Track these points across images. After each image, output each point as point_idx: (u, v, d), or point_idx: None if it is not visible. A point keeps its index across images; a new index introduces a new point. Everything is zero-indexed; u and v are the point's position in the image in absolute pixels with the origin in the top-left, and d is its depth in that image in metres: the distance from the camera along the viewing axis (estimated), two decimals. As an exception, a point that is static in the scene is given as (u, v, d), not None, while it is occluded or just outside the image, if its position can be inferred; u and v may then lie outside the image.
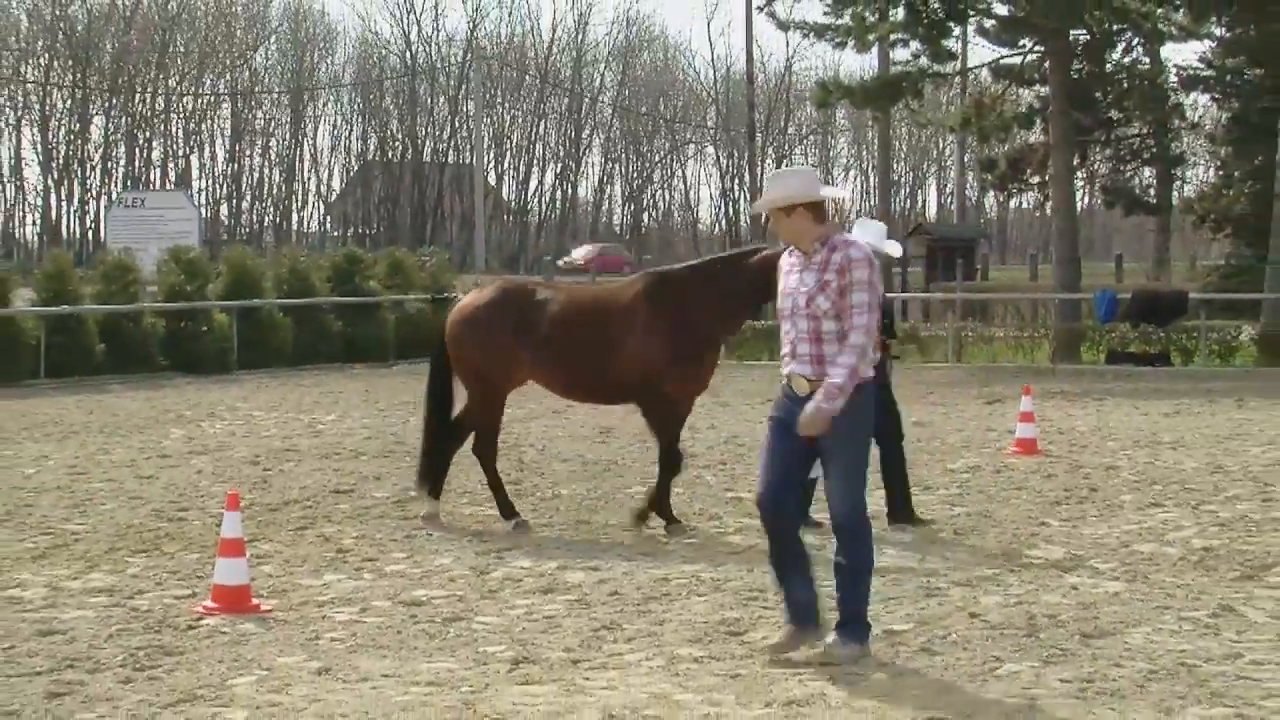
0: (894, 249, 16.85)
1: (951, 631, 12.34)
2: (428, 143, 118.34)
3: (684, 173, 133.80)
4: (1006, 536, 16.41)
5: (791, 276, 11.11)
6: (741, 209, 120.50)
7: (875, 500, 15.08)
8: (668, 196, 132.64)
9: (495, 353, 16.77)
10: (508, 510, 16.99)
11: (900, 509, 16.57)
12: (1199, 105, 77.99)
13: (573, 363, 16.78)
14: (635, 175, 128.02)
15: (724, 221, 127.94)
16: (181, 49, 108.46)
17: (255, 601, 13.08)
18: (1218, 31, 54.67)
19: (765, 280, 15.41)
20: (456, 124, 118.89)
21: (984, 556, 15.35)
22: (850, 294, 10.75)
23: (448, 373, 17.25)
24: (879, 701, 10.40)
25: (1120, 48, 61.17)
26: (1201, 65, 69.16)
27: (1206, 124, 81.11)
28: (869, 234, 15.78)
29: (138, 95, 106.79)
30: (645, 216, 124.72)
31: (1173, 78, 70.11)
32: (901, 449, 16.79)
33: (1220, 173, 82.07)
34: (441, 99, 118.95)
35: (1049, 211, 57.41)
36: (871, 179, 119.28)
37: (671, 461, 16.63)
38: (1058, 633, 12.28)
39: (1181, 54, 73.49)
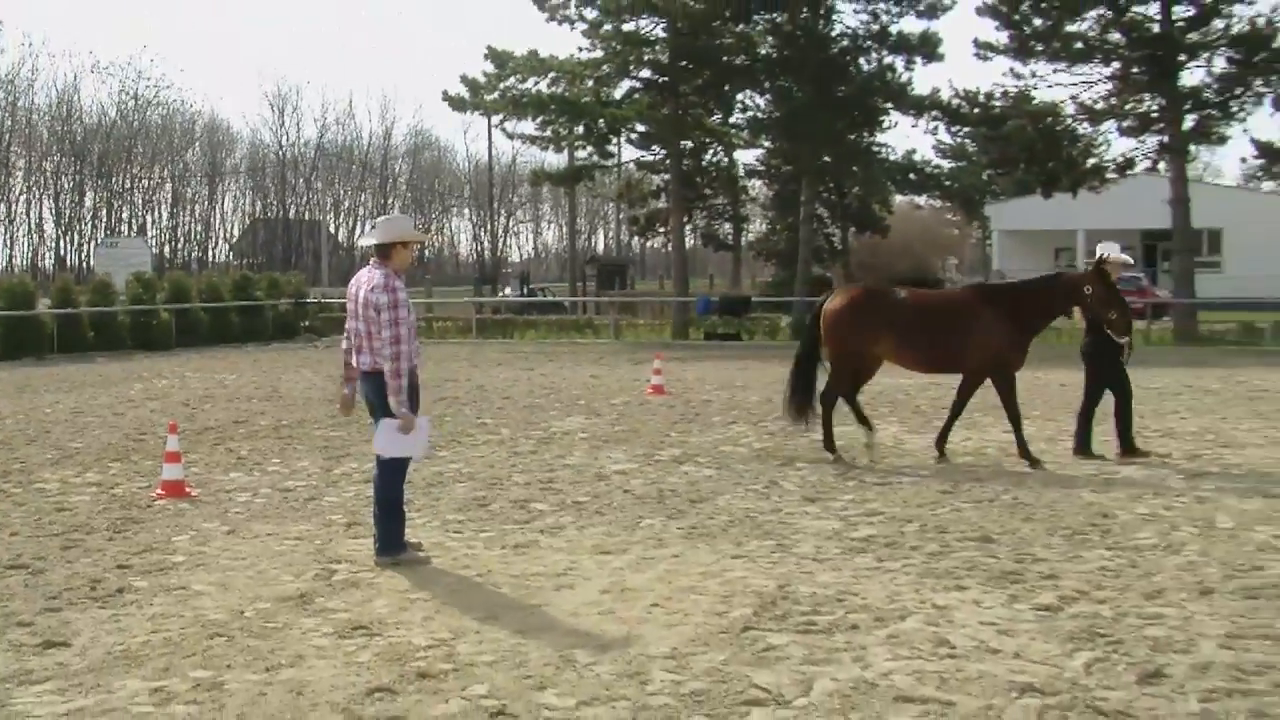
0: (1128, 259, 15.88)
1: (613, 500, 12.50)
2: (292, 206, 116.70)
3: (450, 226, 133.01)
4: (646, 443, 16.51)
5: (363, 290, 9.78)
6: (485, 251, 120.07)
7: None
8: (440, 240, 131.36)
9: (866, 336, 15.12)
10: (829, 444, 15.11)
11: (1128, 445, 15.04)
12: (757, 186, 78.67)
13: (930, 346, 15.10)
14: (421, 228, 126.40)
15: (474, 256, 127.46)
16: (140, 149, 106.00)
17: (188, 490, 12.93)
18: (766, 144, 55.36)
19: (1069, 294, 15.05)
20: (310, 195, 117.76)
21: (634, 455, 15.46)
22: (384, 311, 9.49)
23: (816, 345, 15.38)
24: (570, 542, 10.53)
25: (710, 152, 61.71)
26: (758, 163, 69.99)
27: (761, 197, 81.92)
28: (1112, 249, 15.24)
29: (114, 179, 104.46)
30: (426, 253, 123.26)
31: (741, 170, 70.90)
32: (1130, 406, 15.23)
33: (769, 226, 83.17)
34: (301, 180, 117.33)
35: (670, 249, 57.74)
36: (563, 228, 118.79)
37: (1016, 415, 14.78)
38: (676, 499, 12.47)
39: (746, 156, 75.45)
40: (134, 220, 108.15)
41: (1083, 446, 15.11)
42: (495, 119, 53.33)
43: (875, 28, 47.12)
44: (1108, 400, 15.16)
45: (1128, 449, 15.03)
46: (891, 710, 6.57)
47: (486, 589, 9.11)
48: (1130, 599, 8.65)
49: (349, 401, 10.49)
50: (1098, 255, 15.19)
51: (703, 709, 6.60)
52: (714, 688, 6.89)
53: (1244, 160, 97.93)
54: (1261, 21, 40.65)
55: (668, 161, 52.06)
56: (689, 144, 52.71)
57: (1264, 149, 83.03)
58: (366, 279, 9.84)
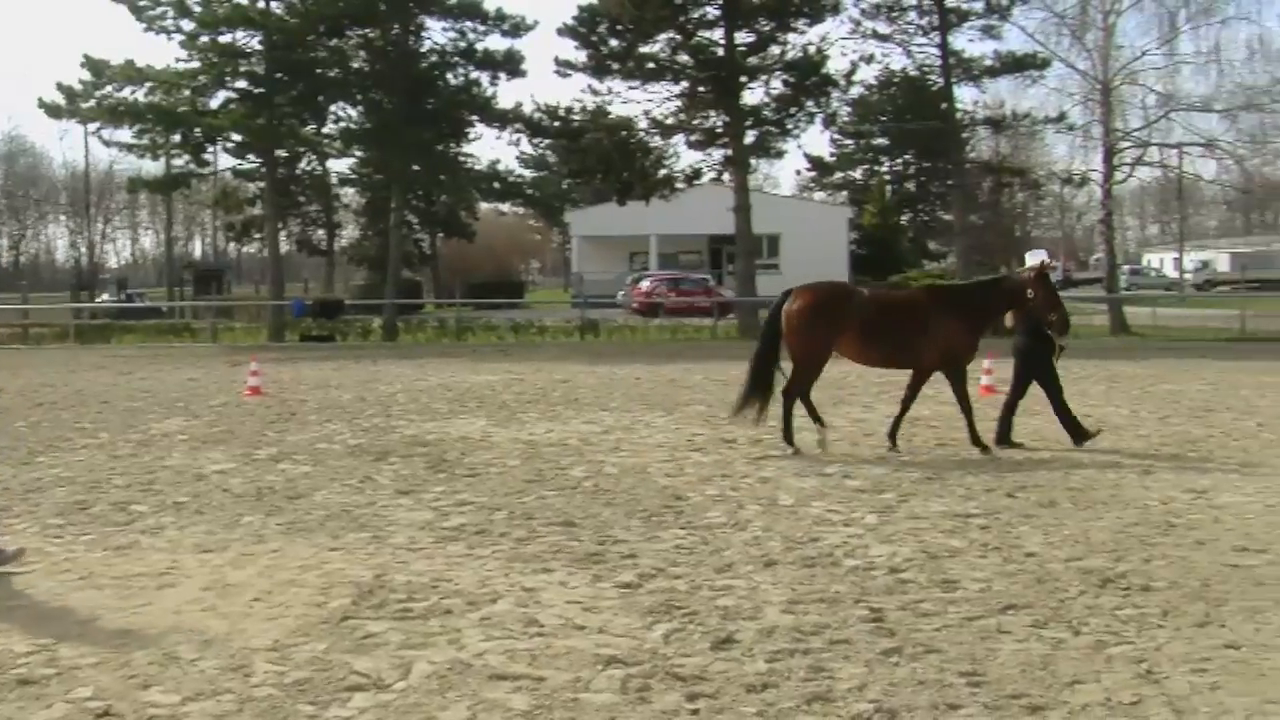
0: (1056, 263, 15.55)
1: (213, 500, 12.11)
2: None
3: (47, 231, 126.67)
4: (244, 443, 16.07)
5: None
6: (83, 258, 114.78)
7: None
8: (37, 245, 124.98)
9: (829, 333, 14.77)
10: (788, 436, 14.92)
11: (1077, 435, 14.95)
12: (349, 194, 77.92)
13: (889, 342, 14.84)
14: (17, 233, 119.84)
15: (71, 262, 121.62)
16: None
17: None
18: (359, 153, 54.86)
19: (1016, 295, 14.96)
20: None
21: (232, 454, 15.03)
22: None
23: (775, 344, 14.97)
24: (171, 542, 10.16)
25: (305, 160, 60.79)
26: (351, 172, 69.23)
27: (353, 204, 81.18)
28: (1038, 256, 15.29)
29: None
30: (21, 257, 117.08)
31: (335, 178, 70.19)
32: (1017, 401, 15.28)
33: (361, 232, 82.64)
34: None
35: (266, 254, 56.51)
36: (161, 234, 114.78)
37: (968, 406, 14.81)
38: (274, 496, 12.20)
39: (340, 165, 73.23)
40: None
41: (1003, 437, 15.15)
42: (92, 127, 51.31)
43: (462, 45, 47.74)
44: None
45: (1004, 440, 15.14)
46: (486, 688, 6.62)
47: (88, 591, 8.72)
48: (703, 573, 8.97)
49: None
50: (1035, 262, 15.47)
51: (306, 697, 6.51)
52: (316, 676, 6.81)
53: (798, 172, 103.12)
54: (812, 50, 42.90)
55: (263, 170, 51.17)
56: (284, 153, 51.92)
57: (815, 163, 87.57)
58: None
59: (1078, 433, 15.12)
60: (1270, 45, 49.40)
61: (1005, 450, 14.77)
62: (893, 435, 15.06)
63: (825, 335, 14.93)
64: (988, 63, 46.99)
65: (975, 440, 14.72)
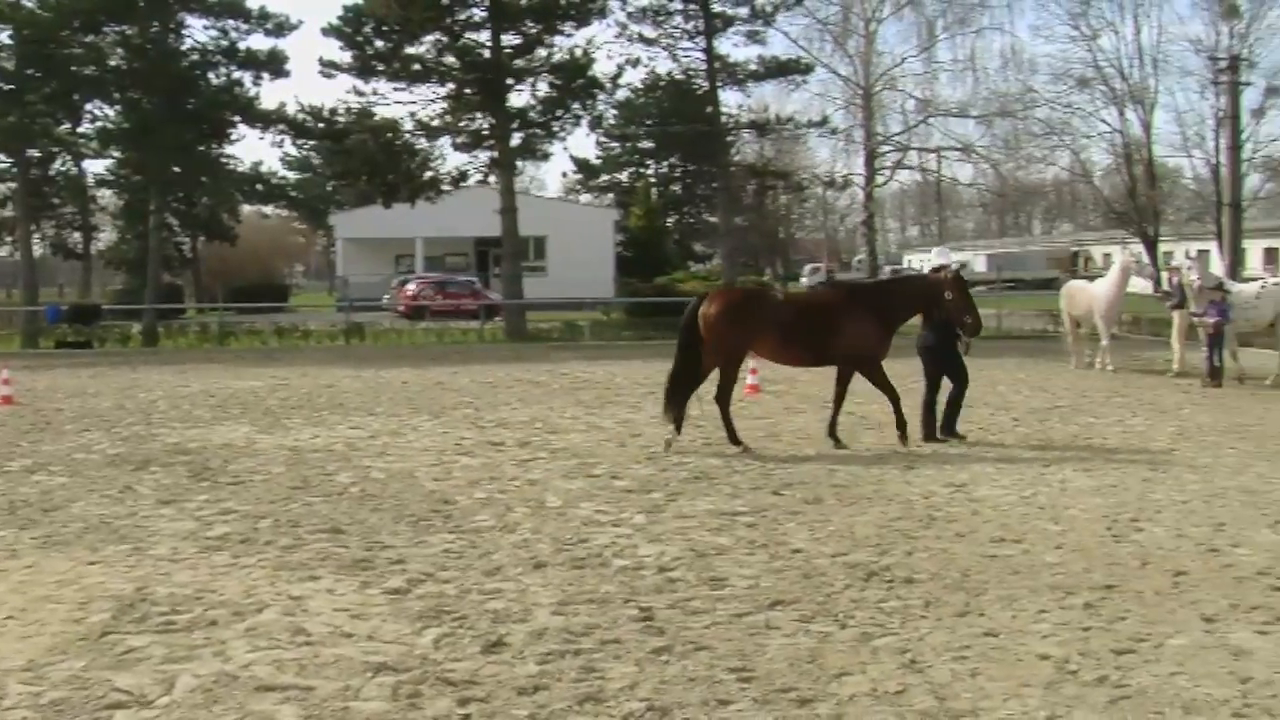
0: (955, 262, 15.94)
1: (-38, 513, 11.66)
2: None
3: None
4: (4, 449, 15.57)
5: None
6: None
7: None
8: None
9: (749, 336, 14.95)
10: (733, 438, 14.88)
11: (951, 429, 15.56)
12: (107, 196, 75.62)
13: (807, 342, 15.01)
14: None
15: None
16: None
17: None
18: (116, 154, 53.34)
19: (932, 293, 15.45)
20: None
21: (-18, 466, 14.54)
22: None
23: (696, 346, 14.93)
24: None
25: (59, 161, 58.86)
26: (108, 173, 67.30)
27: (111, 206, 78.77)
28: (944, 256, 16.13)
29: None
30: None
31: (91, 179, 68.17)
32: (963, 395, 15.83)
33: (119, 235, 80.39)
34: None
35: (18, 258, 54.63)
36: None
37: (894, 394, 15.22)
38: (28, 509, 11.73)
39: (96, 166, 70.65)
40: None
41: (930, 434, 15.52)
42: None
43: (224, 44, 47.06)
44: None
45: (950, 432, 15.61)
46: (253, 700, 6.48)
47: None
48: (472, 577, 8.94)
49: None
50: (942, 264, 15.96)
51: (64, 718, 6.28)
52: (74, 695, 6.58)
53: (565, 175, 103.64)
54: (579, 52, 43.11)
55: (14, 170, 49.55)
56: (37, 153, 50.32)
57: (581, 165, 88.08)
58: None
59: (952, 428, 15.75)
60: (1022, 55, 51.61)
61: (934, 445, 15.29)
62: (832, 433, 15.28)
63: (744, 336, 15.21)
64: (752, 67, 48.01)
65: (831, 431, 15.23)
